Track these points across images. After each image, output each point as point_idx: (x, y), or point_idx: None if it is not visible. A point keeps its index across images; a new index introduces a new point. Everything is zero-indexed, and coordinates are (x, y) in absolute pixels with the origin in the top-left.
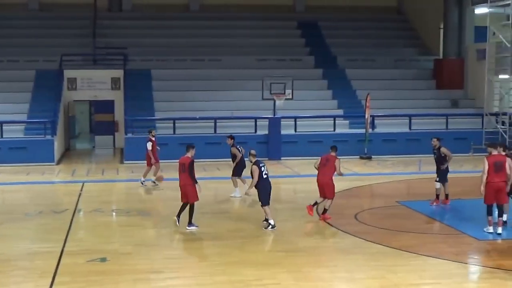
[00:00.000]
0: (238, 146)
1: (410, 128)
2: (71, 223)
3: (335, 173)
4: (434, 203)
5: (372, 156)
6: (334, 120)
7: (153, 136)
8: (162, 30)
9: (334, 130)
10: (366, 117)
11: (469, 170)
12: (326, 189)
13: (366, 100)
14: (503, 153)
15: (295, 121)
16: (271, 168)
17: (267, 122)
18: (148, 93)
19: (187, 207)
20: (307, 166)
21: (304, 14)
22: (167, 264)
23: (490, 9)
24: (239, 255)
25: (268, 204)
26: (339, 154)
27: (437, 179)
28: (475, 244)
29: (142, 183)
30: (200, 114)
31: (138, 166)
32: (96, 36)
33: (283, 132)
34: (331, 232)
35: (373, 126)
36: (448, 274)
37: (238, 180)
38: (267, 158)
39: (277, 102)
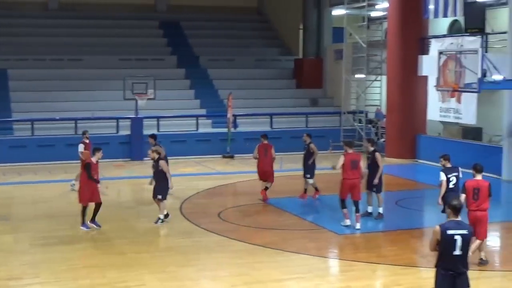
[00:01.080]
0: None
1: (271, 127)
2: None
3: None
4: (316, 195)
5: (235, 155)
6: (197, 119)
7: (87, 138)
8: (19, 28)
9: (197, 129)
10: (228, 116)
11: (328, 167)
12: (269, 176)
13: (228, 99)
14: (372, 148)
15: (158, 121)
16: (134, 169)
17: (129, 123)
18: (4, 93)
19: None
20: (171, 165)
21: (165, 13)
22: (26, 270)
23: (347, 11)
24: (102, 257)
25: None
26: (201, 153)
27: (308, 176)
28: (335, 238)
29: (71, 186)
30: (60, 115)
31: None
32: None
33: (145, 132)
34: (195, 231)
35: (235, 125)
36: (311, 268)
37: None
38: (129, 159)
39: (139, 102)
